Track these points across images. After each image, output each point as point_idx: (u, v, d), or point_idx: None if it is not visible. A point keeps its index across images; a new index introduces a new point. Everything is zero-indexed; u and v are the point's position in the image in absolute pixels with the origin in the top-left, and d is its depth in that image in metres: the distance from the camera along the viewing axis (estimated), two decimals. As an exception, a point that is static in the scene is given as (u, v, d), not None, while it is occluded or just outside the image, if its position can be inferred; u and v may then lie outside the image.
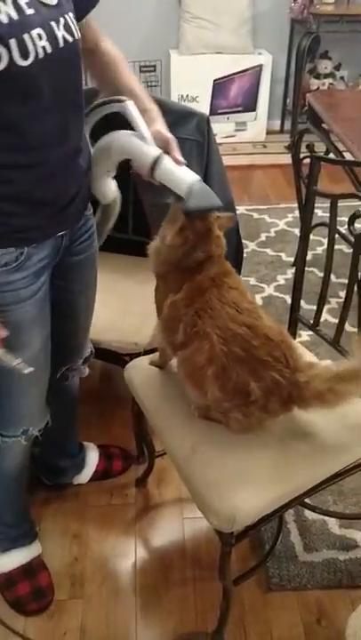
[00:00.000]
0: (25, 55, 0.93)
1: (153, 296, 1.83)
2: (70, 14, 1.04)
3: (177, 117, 1.70)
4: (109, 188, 1.26)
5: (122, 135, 1.14)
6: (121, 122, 1.17)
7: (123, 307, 1.78)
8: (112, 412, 2.00)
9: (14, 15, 0.91)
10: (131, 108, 1.12)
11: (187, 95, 4.05)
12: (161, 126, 1.17)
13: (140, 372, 1.46)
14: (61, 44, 1.00)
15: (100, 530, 1.65)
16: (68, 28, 1.01)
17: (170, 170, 1.12)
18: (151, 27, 4.09)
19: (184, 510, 1.69)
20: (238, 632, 1.42)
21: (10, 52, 0.91)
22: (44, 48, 0.96)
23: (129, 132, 1.14)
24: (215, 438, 1.24)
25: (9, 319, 1.13)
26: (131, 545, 1.61)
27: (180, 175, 1.12)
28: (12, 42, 0.91)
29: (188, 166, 1.17)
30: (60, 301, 1.32)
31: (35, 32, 0.94)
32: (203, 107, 4.01)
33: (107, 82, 1.23)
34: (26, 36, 0.93)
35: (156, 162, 1.11)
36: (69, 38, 1.02)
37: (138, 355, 1.63)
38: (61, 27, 1.00)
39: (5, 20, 0.90)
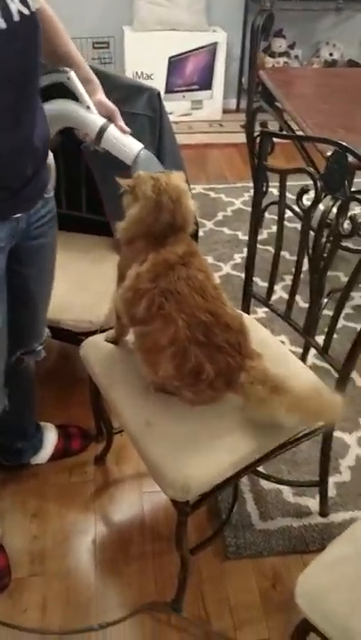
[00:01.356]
0: None
1: (107, 274, 1.83)
2: None
3: (128, 92, 1.68)
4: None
5: (67, 104, 1.17)
6: (60, 91, 1.20)
7: (77, 285, 1.77)
8: (70, 391, 2.00)
9: None
10: (74, 78, 1.15)
11: (141, 72, 4.01)
12: (102, 96, 1.21)
13: (95, 350, 1.46)
14: (16, 17, 0.93)
15: (59, 507, 1.65)
16: (23, 0, 0.95)
17: (116, 138, 1.18)
18: (105, 3, 4.01)
19: (143, 485, 1.71)
20: (196, 600, 1.45)
21: None
22: None
23: (72, 101, 1.17)
24: (170, 411, 1.26)
25: None
26: (90, 521, 1.63)
27: (127, 143, 1.18)
28: None
29: (134, 137, 1.21)
30: (17, 286, 1.30)
31: None
32: (158, 84, 3.97)
33: (46, 49, 1.17)
34: None
35: (101, 130, 1.16)
36: (25, 11, 0.95)
37: (93, 333, 1.63)
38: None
39: None
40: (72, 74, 1.15)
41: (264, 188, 1.50)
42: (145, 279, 1.18)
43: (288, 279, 2.51)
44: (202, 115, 4.27)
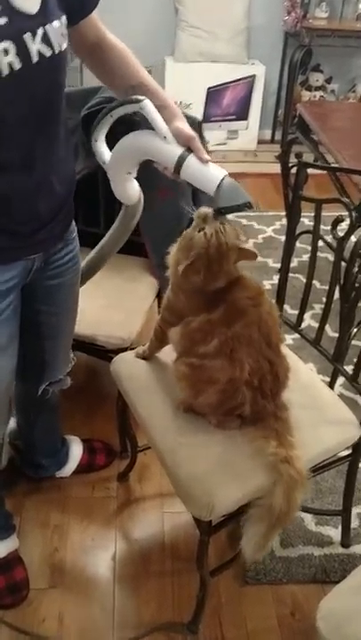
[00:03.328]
0: None
1: (139, 293, 1.88)
2: (55, 23, 0.94)
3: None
4: (132, 190, 1.22)
5: (142, 135, 1.09)
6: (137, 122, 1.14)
7: (110, 303, 1.81)
8: (96, 407, 2.03)
9: None
10: (149, 106, 1.05)
11: (180, 102, 4.11)
12: (181, 123, 1.09)
13: (126, 366, 1.49)
14: (35, 59, 0.90)
15: (80, 521, 1.67)
16: (46, 40, 0.91)
17: (196, 168, 1.06)
18: (148, 33, 4.15)
19: (164, 505, 1.72)
20: (213, 623, 1.45)
21: None
22: (10, 65, 0.86)
23: (149, 131, 1.08)
24: (198, 430, 1.28)
25: None
26: (111, 537, 1.64)
27: (207, 173, 1.06)
28: None
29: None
30: (39, 323, 1.32)
31: (1, 46, 0.84)
32: (196, 114, 4.05)
33: (117, 78, 1.16)
34: None
35: (180, 162, 1.06)
36: (47, 52, 0.92)
37: (124, 350, 1.67)
38: (38, 39, 0.90)
39: None
40: (146, 102, 1.05)
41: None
42: (218, 324, 1.18)
43: (317, 307, 2.54)
44: (237, 144, 4.35)
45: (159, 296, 1.95)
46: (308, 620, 1.45)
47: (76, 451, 1.78)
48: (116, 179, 1.18)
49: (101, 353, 1.80)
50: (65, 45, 0.97)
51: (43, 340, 1.38)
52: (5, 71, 0.86)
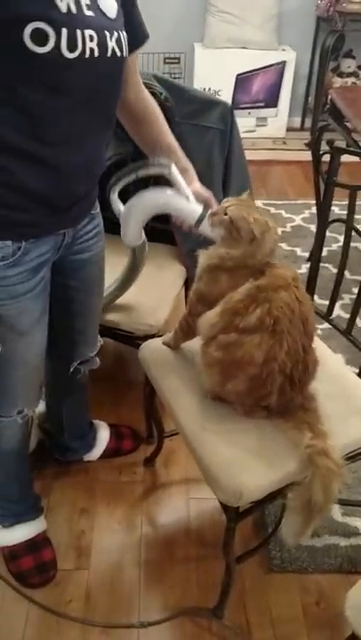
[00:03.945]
0: (72, 48, 0.94)
1: (168, 281, 1.88)
2: (124, 32, 1.06)
3: (201, 106, 1.73)
4: (140, 235, 1.42)
5: (170, 197, 1.27)
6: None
7: (138, 289, 1.81)
8: (123, 393, 2.04)
9: (74, 9, 0.94)
10: (175, 171, 1.23)
11: (209, 88, 4.08)
12: (198, 184, 1.32)
13: (154, 352, 1.50)
14: (109, 53, 1.02)
15: (107, 505, 1.69)
16: (119, 42, 1.04)
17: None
18: (177, 19, 4.12)
19: (190, 490, 1.73)
20: (238, 609, 1.46)
21: (59, 38, 0.91)
22: (92, 50, 0.97)
23: (172, 190, 1.26)
24: (227, 417, 1.28)
25: (5, 313, 1.14)
26: (137, 521, 1.65)
27: None
28: (64, 31, 0.92)
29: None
30: (68, 299, 1.34)
31: (88, 32, 0.96)
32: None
33: (146, 137, 1.32)
34: (78, 32, 0.94)
35: (200, 219, 1.25)
36: (118, 52, 1.04)
37: (152, 337, 1.67)
38: (114, 39, 1.02)
39: (64, 10, 0.92)
40: (173, 168, 1.23)
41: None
42: (265, 289, 1.17)
43: (347, 298, 2.51)
44: (266, 132, 4.30)
45: (187, 284, 1.95)
46: (332, 609, 1.45)
47: (104, 435, 1.80)
48: (130, 225, 1.36)
49: (129, 339, 1.81)
50: (127, 52, 1.09)
51: (72, 317, 1.40)
52: (87, 54, 0.97)
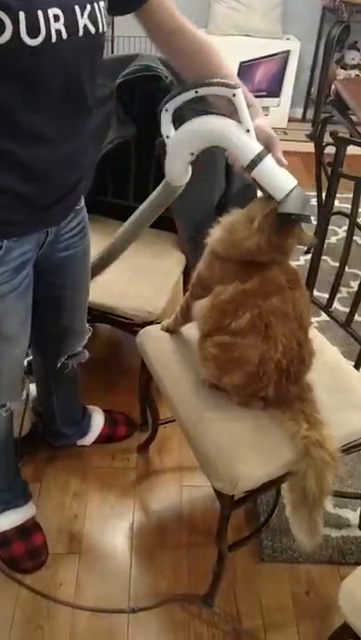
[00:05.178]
0: (33, 33, 0.83)
1: (167, 268, 1.87)
2: (101, 3, 0.94)
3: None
4: (185, 171, 1.18)
5: (225, 123, 1.04)
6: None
7: (137, 276, 1.80)
8: (118, 380, 2.03)
9: None
10: (240, 95, 1.00)
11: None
12: (263, 121, 1.07)
13: (152, 339, 1.49)
14: (81, 32, 0.90)
15: (100, 490, 1.69)
16: (93, 17, 0.92)
17: (270, 170, 1.04)
18: (182, 5, 4.01)
19: (183, 478, 1.73)
20: (228, 598, 1.46)
21: (17, 25, 0.81)
22: (58, 32, 0.86)
23: (232, 121, 1.04)
24: (224, 406, 1.27)
25: None
26: (129, 507, 1.65)
27: (281, 178, 1.04)
28: (22, 15, 0.81)
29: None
30: (53, 296, 1.32)
31: (51, 11, 0.84)
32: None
33: (201, 71, 1.10)
34: (39, 13, 0.83)
35: (257, 159, 1.03)
36: (92, 29, 0.92)
37: (150, 324, 1.66)
38: (85, 14, 0.90)
39: None
40: (240, 91, 1.00)
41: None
42: (253, 295, 1.15)
43: (344, 291, 2.51)
44: (267, 122, 4.27)
45: (186, 272, 1.94)
46: (322, 599, 1.46)
47: (98, 421, 1.79)
48: (176, 156, 1.14)
49: (126, 326, 1.80)
50: (106, 27, 0.97)
51: (58, 314, 1.38)
52: (54, 37, 0.86)
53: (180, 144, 1.10)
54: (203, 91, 1.03)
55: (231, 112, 1.04)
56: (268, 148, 1.04)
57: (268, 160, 1.03)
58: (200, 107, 1.12)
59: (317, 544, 1.21)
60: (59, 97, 0.94)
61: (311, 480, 1.13)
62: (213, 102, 1.10)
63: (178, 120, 1.11)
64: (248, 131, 1.02)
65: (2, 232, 1.04)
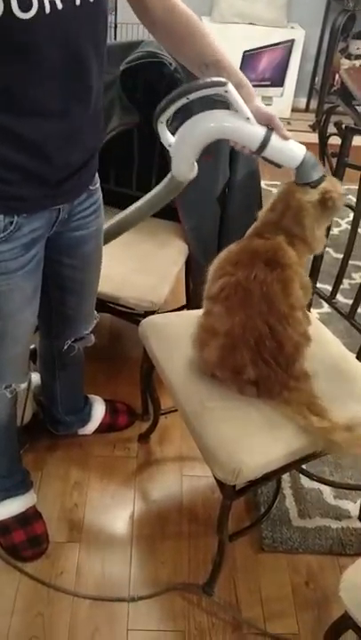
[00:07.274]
0: (26, 6, 0.81)
1: (170, 257, 1.86)
2: None
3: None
4: (193, 169, 1.21)
5: (225, 118, 1.09)
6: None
7: (140, 265, 1.79)
8: (119, 369, 2.03)
9: None
10: (232, 90, 1.04)
11: (215, 64, 4.00)
12: (258, 102, 1.11)
13: (154, 329, 1.48)
14: (78, 1, 0.88)
15: (100, 479, 1.69)
16: None
17: (279, 146, 1.11)
18: (185, -9, 4.01)
19: (184, 468, 1.73)
20: (228, 587, 1.46)
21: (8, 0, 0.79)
22: (52, 3, 0.84)
23: (228, 112, 1.08)
24: (226, 396, 1.27)
25: None
26: (130, 496, 1.65)
27: (291, 150, 1.12)
28: None
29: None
30: (63, 276, 1.31)
31: None
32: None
33: (190, 53, 1.12)
34: None
35: (264, 142, 1.09)
36: None
37: (152, 313, 1.65)
38: None
39: None
40: (230, 86, 1.03)
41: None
42: (230, 260, 1.18)
43: (346, 283, 2.50)
44: (270, 111, 4.24)
45: (188, 261, 1.93)
46: (321, 590, 1.47)
47: (99, 410, 1.79)
48: (183, 158, 1.17)
49: (128, 315, 1.79)
50: None
51: (68, 295, 1.37)
52: (47, 8, 0.84)
53: (184, 147, 1.15)
54: (194, 95, 1.05)
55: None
56: (270, 126, 1.10)
57: (274, 138, 1.10)
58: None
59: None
60: (61, 70, 0.93)
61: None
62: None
63: (185, 113, 1.12)
64: (248, 119, 1.07)
65: (12, 207, 1.04)
